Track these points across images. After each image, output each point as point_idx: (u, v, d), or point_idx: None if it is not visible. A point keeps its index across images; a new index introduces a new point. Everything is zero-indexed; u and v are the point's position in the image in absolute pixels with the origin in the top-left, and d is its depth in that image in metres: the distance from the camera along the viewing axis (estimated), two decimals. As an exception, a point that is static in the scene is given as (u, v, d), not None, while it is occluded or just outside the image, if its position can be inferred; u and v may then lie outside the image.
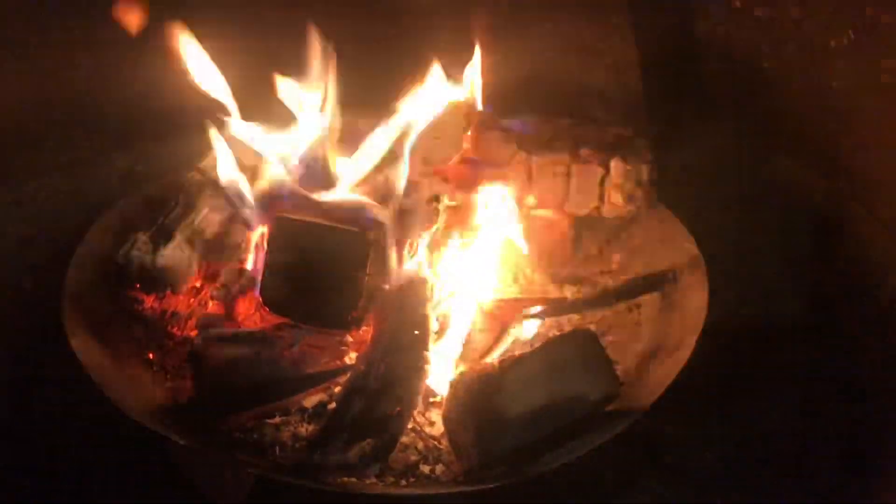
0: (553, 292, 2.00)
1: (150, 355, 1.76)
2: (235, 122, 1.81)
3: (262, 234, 1.81)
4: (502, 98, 2.08)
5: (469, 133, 1.99)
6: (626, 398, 1.59)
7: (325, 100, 1.81)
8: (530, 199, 1.97)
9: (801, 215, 2.17)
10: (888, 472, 1.66)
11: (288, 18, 1.86)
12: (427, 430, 1.65)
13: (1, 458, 1.70)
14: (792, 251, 2.11)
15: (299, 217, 1.73)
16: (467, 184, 1.93)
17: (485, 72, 2.02)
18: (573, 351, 1.58)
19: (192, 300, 1.82)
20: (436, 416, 1.66)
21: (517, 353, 1.61)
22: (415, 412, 1.62)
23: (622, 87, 2.38)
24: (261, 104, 1.85)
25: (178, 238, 1.84)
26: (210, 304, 1.82)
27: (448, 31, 2.11)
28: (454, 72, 1.95)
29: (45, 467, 1.68)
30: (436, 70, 1.88)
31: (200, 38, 1.81)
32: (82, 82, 2.46)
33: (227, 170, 1.81)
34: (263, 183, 1.81)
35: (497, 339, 1.78)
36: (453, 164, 1.97)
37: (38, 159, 2.40)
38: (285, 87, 1.81)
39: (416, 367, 1.59)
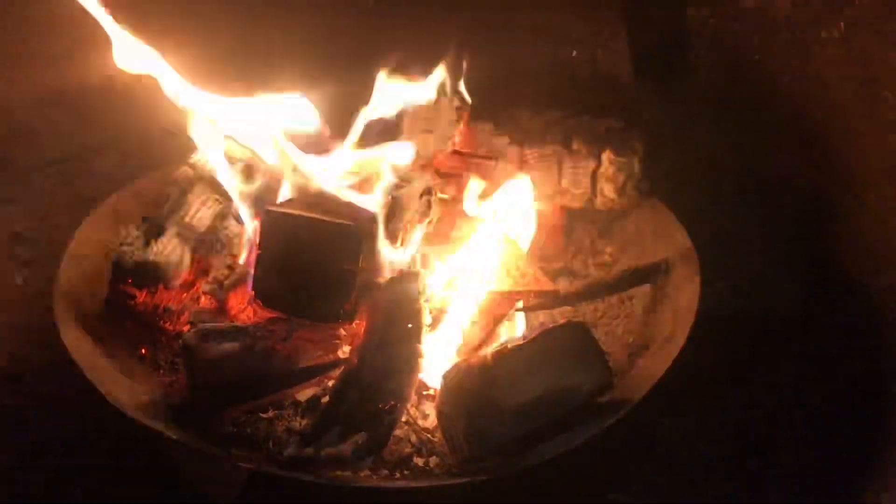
0: (546, 285, 2.00)
1: (143, 350, 1.76)
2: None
3: (254, 229, 1.81)
4: (494, 91, 2.08)
5: (460, 126, 1.99)
6: (619, 390, 1.59)
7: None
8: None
9: (792, 206, 2.18)
10: (881, 462, 1.67)
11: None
12: (420, 422, 1.65)
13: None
14: (783, 243, 2.12)
15: (291, 211, 1.73)
16: (458, 177, 1.93)
17: (474, 64, 2.02)
18: (566, 343, 1.58)
19: (184, 295, 1.81)
20: (429, 408, 1.67)
21: (510, 345, 1.61)
22: (408, 405, 1.62)
23: (613, 79, 2.38)
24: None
25: (170, 233, 1.83)
26: (202, 298, 1.81)
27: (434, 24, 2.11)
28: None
29: (37, 462, 1.68)
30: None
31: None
32: (74, 78, 2.45)
33: (219, 164, 1.81)
34: (256, 177, 1.81)
35: (490, 332, 1.78)
36: (444, 157, 1.97)
37: (30, 155, 2.40)
38: None
39: (410, 360, 1.59)
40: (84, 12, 1.85)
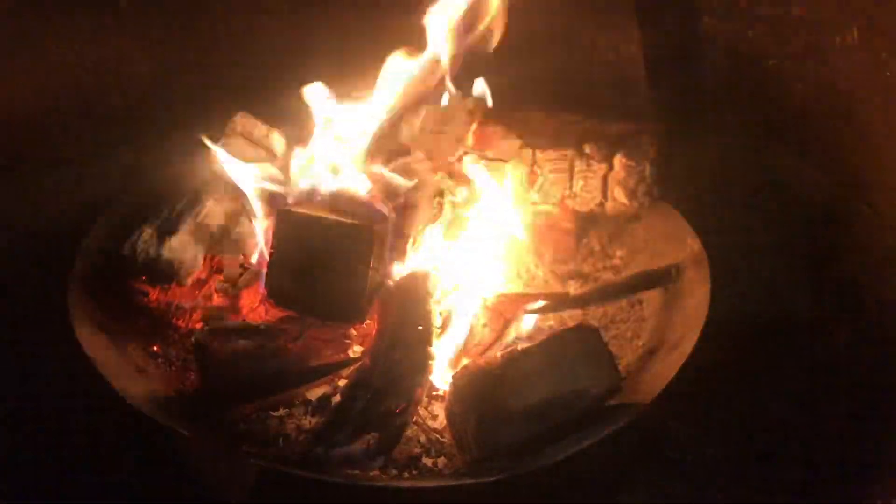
0: (556, 287, 2.01)
1: (156, 347, 1.77)
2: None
3: (268, 228, 1.82)
4: (507, 93, 2.09)
5: (473, 128, 1.99)
6: (628, 393, 1.60)
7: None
8: (534, 195, 1.98)
9: (804, 212, 2.17)
10: (890, 467, 1.67)
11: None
12: (430, 423, 1.66)
13: (7, 448, 1.71)
14: (795, 248, 2.12)
15: (304, 210, 1.74)
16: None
17: (488, 67, 2.03)
18: (575, 346, 1.58)
19: (197, 292, 1.83)
20: (438, 409, 1.67)
21: (519, 347, 1.62)
22: (418, 406, 1.63)
23: (626, 83, 2.38)
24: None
25: (184, 231, 1.85)
26: (215, 296, 1.83)
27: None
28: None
29: (50, 457, 1.70)
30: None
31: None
32: (87, 76, 2.47)
33: (233, 164, 1.82)
34: (269, 176, 1.82)
35: (500, 334, 1.79)
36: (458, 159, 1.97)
37: (44, 153, 2.41)
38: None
39: (420, 362, 1.60)
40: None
